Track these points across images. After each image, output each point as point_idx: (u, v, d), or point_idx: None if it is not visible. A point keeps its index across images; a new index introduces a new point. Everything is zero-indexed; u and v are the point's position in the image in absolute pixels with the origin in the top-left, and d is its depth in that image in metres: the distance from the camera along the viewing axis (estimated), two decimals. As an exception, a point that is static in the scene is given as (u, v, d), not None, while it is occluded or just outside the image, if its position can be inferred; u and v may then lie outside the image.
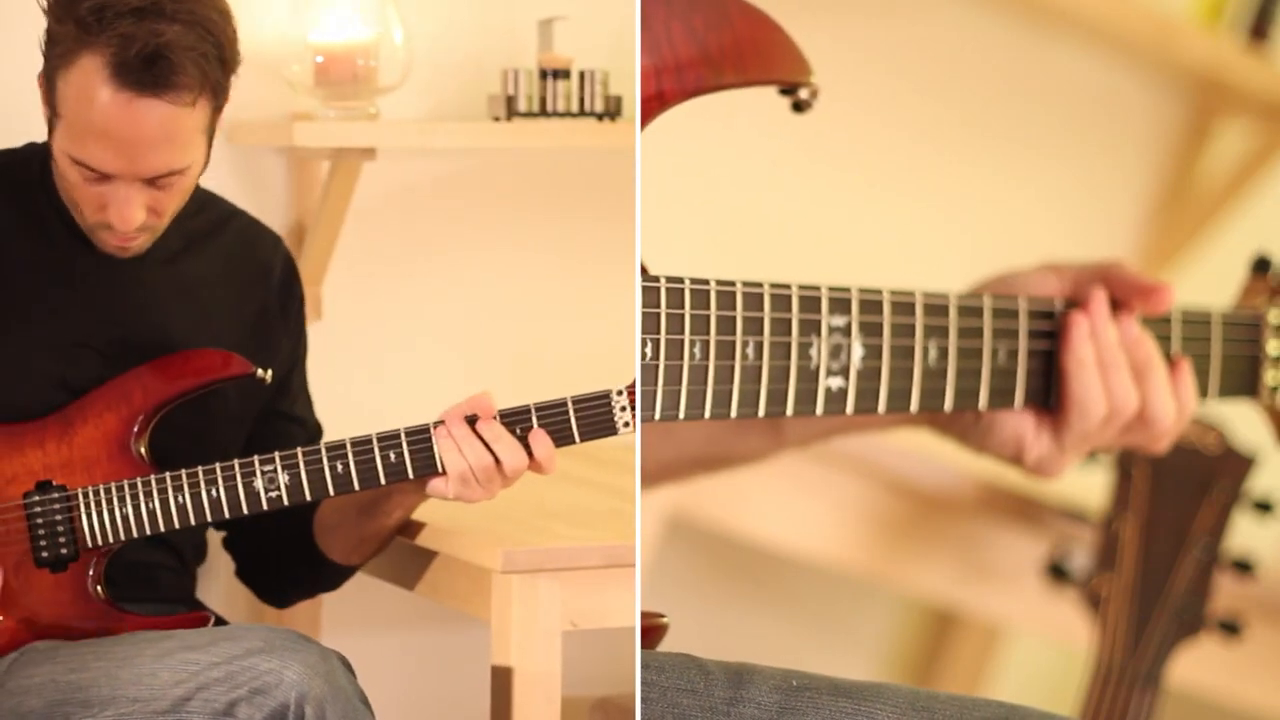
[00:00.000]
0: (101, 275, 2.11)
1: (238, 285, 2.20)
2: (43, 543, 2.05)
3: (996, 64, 3.24)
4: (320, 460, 2.03)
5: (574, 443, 2.02)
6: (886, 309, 1.41)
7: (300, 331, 2.27)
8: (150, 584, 2.14)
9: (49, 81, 2.01)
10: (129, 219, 2.02)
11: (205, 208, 2.20)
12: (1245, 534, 2.49)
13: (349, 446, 2.03)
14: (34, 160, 2.12)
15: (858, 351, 1.41)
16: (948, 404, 1.46)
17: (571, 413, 2.01)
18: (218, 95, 2.01)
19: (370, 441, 2.03)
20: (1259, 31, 3.29)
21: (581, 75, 2.63)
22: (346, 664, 1.96)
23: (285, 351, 2.23)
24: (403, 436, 2.03)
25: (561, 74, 2.62)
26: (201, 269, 2.17)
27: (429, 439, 2.03)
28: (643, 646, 1.49)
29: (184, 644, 1.95)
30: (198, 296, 2.16)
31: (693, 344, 1.35)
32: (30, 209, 2.11)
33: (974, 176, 3.27)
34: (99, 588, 2.06)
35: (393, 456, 2.03)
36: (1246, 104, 3.34)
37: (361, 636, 2.66)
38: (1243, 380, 1.74)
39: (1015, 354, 1.49)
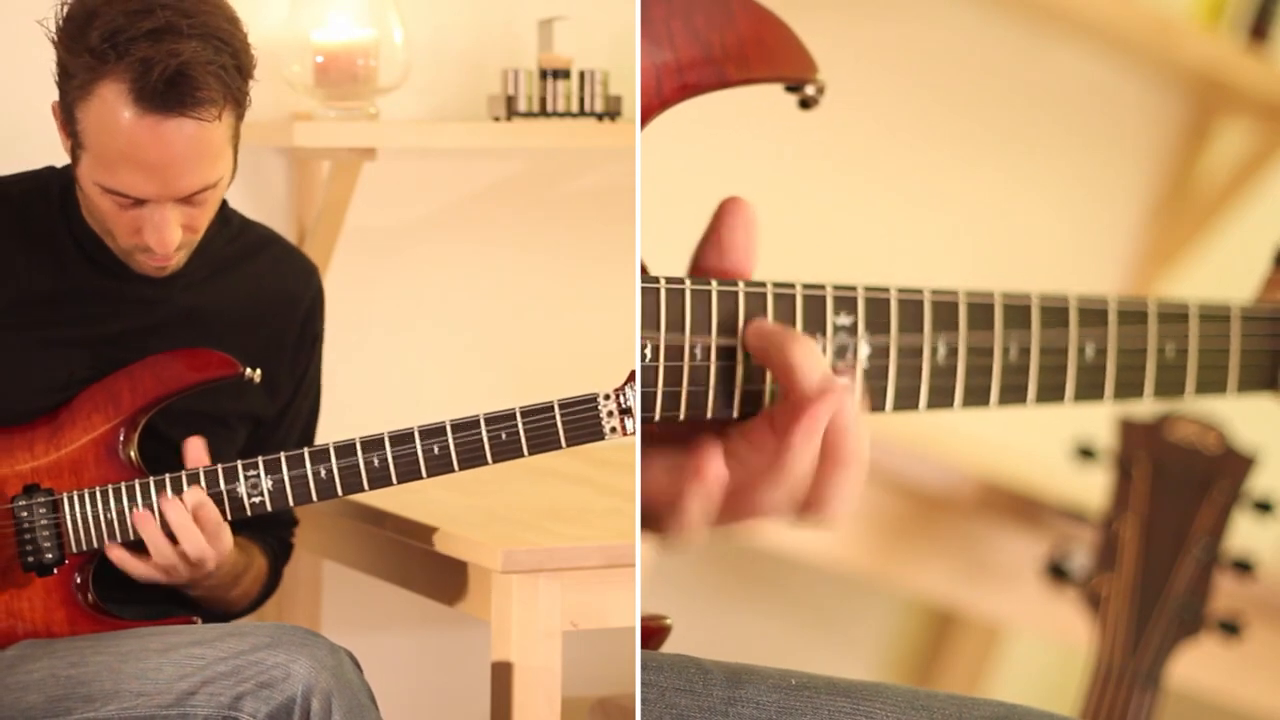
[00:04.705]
0: (117, 305, 2.09)
1: (256, 316, 2.16)
2: (28, 547, 2.04)
3: (997, 65, 3.23)
4: (304, 465, 2.01)
5: (560, 448, 1.99)
6: (894, 307, 1.41)
7: (306, 373, 2.22)
8: (145, 585, 2.11)
9: (67, 113, 1.98)
10: (168, 241, 2.00)
11: (241, 234, 2.18)
12: (1245, 534, 2.49)
13: (332, 451, 2.02)
14: (52, 186, 2.10)
15: (864, 350, 1.41)
16: (957, 402, 1.45)
17: (558, 417, 1.98)
18: (240, 104, 1.99)
19: (354, 446, 2.01)
20: (1259, 31, 3.29)
21: (581, 75, 2.63)
22: (354, 660, 1.95)
23: (284, 388, 2.19)
24: (386, 441, 2.01)
25: (561, 74, 2.62)
26: (222, 298, 2.14)
27: (414, 443, 2.00)
28: (646, 648, 1.48)
29: (190, 639, 1.94)
30: (210, 326, 2.12)
31: (694, 345, 1.34)
32: (45, 240, 2.08)
33: (975, 176, 3.26)
34: (87, 593, 2.05)
35: (376, 462, 2.01)
36: (1246, 104, 3.34)
37: (362, 636, 2.65)
38: (1262, 375, 1.71)
39: (1028, 350, 1.48)
